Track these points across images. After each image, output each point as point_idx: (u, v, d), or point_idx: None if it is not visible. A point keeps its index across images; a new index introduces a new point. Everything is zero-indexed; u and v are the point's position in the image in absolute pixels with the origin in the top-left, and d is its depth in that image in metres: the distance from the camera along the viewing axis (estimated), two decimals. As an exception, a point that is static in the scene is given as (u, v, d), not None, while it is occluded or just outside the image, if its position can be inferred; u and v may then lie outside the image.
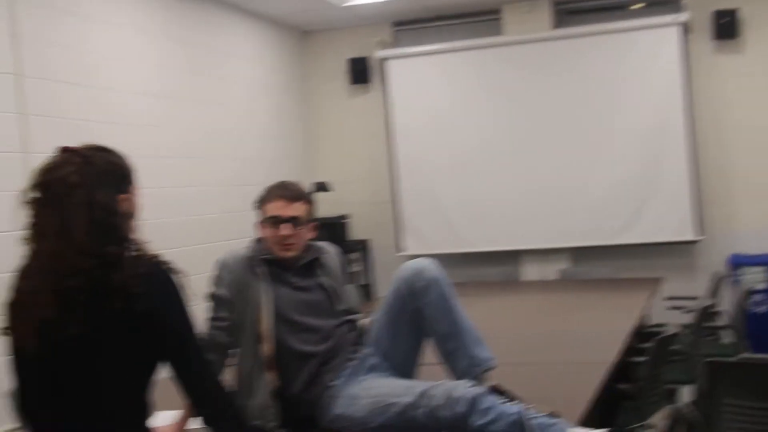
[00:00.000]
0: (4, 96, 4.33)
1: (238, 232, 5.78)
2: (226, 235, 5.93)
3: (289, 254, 2.79)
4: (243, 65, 6.79)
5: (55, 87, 4.67)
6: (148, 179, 5.24)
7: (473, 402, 2.41)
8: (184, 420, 2.65)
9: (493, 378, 2.72)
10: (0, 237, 3.55)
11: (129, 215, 1.96)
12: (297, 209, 2.79)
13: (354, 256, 7.59)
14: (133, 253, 1.90)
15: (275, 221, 2.78)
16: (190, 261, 5.03)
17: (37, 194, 1.88)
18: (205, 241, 5.85)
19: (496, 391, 2.58)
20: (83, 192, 1.85)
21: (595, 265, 6.89)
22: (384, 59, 7.48)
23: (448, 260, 7.22)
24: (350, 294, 2.98)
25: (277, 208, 2.79)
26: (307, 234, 2.85)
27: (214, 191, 6.16)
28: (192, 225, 5.84)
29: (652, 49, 6.76)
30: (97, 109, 4.99)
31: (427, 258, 2.85)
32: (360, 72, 7.69)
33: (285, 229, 2.76)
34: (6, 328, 1.89)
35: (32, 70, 4.50)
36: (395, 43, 7.66)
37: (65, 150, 1.93)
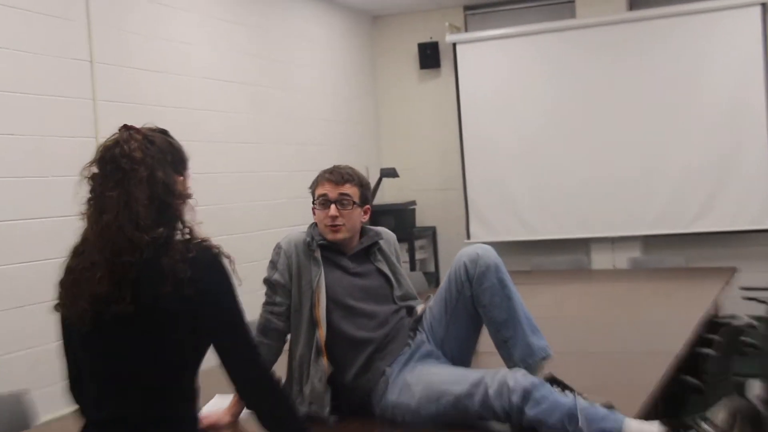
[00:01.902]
0: (80, 82, 4.44)
1: (304, 218, 5.82)
2: (292, 221, 5.98)
3: (338, 236, 2.78)
4: (313, 50, 6.82)
5: (128, 73, 4.77)
6: (216, 163, 5.44)
7: (528, 392, 2.37)
8: (234, 406, 2.69)
9: (551, 368, 2.68)
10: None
11: (185, 197, 1.97)
12: (346, 190, 2.79)
13: (421, 243, 7.59)
14: (185, 236, 1.90)
15: (323, 202, 2.79)
16: (255, 247, 5.20)
17: (99, 169, 1.90)
18: (271, 227, 5.91)
19: (552, 381, 2.55)
20: (145, 168, 1.87)
21: (666, 254, 6.74)
22: (455, 44, 7.42)
23: (517, 248, 7.19)
24: (407, 280, 2.96)
25: (324, 189, 2.79)
26: (357, 217, 2.83)
27: (281, 176, 6.21)
28: (258, 210, 5.90)
29: (731, 30, 6.55)
30: (168, 95, 5.08)
31: (485, 244, 2.81)
32: (430, 56, 7.65)
33: (332, 210, 2.76)
34: (57, 305, 1.91)
35: (105, 56, 4.60)
36: (466, 27, 7.59)
37: (127, 128, 1.95)
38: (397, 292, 2.88)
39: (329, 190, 2.79)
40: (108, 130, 2.00)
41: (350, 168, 2.87)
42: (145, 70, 4.92)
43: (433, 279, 7.38)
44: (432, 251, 7.77)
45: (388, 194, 7.65)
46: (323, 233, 2.80)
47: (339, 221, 2.77)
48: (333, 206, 2.77)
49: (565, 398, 2.37)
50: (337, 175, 2.80)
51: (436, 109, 7.74)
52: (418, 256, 7.44)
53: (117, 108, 4.61)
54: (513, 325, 2.67)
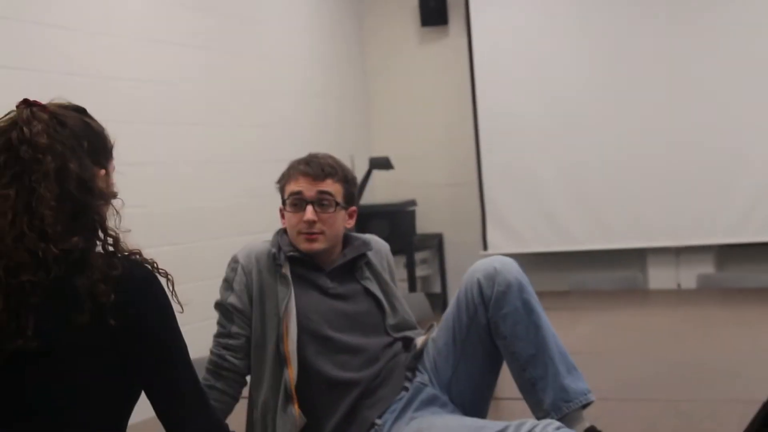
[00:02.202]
0: None
1: (268, 224, 5.83)
2: (253, 228, 5.97)
3: (315, 246, 2.81)
4: (281, 3, 6.84)
5: (28, 29, 4.75)
6: (152, 152, 5.44)
7: (563, 450, 2.39)
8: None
9: (593, 419, 2.70)
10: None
11: (107, 196, 1.98)
12: (326, 187, 2.82)
13: (423, 255, 7.61)
14: (108, 249, 1.91)
15: (296, 202, 2.81)
16: (204, 261, 5.19)
17: None
18: (225, 235, 5.91)
19: (594, 435, 2.58)
20: (53, 157, 1.87)
21: (748, 270, 6.76)
22: (467, -5, 7.47)
23: (549, 262, 7.22)
24: (403, 304, 2.98)
25: (299, 186, 2.81)
26: (341, 222, 2.86)
27: (239, 168, 6.21)
28: (207, 213, 5.90)
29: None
30: (84, 59, 5.07)
31: (504, 257, 2.83)
32: (435, 11, 7.69)
33: (309, 213, 2.78)
34: None
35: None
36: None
37: (28, 104, 1.95)
38: (391, 320, 2.91)
39: (305, 187, 2.81)
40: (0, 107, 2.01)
41: (331, 158, 2.89)
42: (51, 25, 4.91)
43: (439, 302, 7.38)
44: (438, 266, 7.79)
45: (380, 191, 7.66)
46: (295, 242, 2.83)
47: (317, 227, 2.80)
48: (309, 208, 2.79)
49: (612, 458, 2.39)
50: (316, 168, 2.82)
51: (442, 80, 7.77)
52: (420, 272, 7.46)
53: (10, 76, 4.60)
54: (543, 362, 2.69)
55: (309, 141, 6.54)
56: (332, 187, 2.83)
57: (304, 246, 2.81)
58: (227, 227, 6.00)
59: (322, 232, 2.81)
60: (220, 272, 2.89)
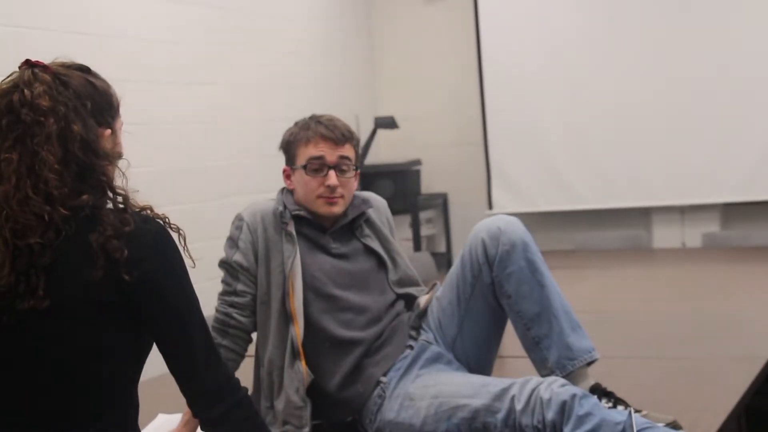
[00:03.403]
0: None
1: (269, 183, 5.83)
2: (252, 187, 5.99)
3: (335, 210, 2.84)
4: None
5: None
6: (158, 110, 5.43)
7: (568, 406, 2.41)
8: (185, 427, 2.72)
9: (598, 376, 2.73)
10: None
11: (113, 156, 1.98)
12: (346, 152, 2.85)
13: (428, 215, 7.62)
14: (118, 206, 1.92)
15: (318, 168, 2.82)
16: (212, 219, 5.20)
17: None
18: (233, 193, 5.92)
19: (599, 392, 2.60)
20: (56, 119, 1.87)
21: (754, 228, 6.75)
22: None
23: (555, 221, 7.23)
24: (405, 260, 3.00)
25: (320, 150, 2.83)
26: (355, 185, 2.90)
27: (237, 128, 6.21)
28: (207, 173, 5.90)
29: None
30: (85, 16, 5.06)
31: (509, 216, 2.84)
32: (439, -31, 7.64)
33: (332, 178, 2.80)
34: None
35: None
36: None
37: (30, 64, 1.94)
38: (393, 276, 2.93)
39: (327, 152, 2.83)
40: (1, 69, 2.00)
41: (340, 120, 2.91)
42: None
43: (444, 262, 7.41)
44: (443, 226, 7.81)
45: (384, 151, 7.66)
46: (312, 206, 2.85)
47: (338, 192, 2.82)
48: (332, 173, 2.82)
49: (618, 415, 2.41)
50: (337, 132, 2.85)
51: (448, 39, 7.73)
52: (425, 231, 7.48)
53: (13, 35, 4.58)
54: (547, 320, 2.71)
55: (313, 100, 6.55)
56: (350, 151, 2.86)
57: (324, 209, 2.84)
58: (231, 187, 6.02)
59: (342, 196, 2.84)
60: (224, 231, 2.90)
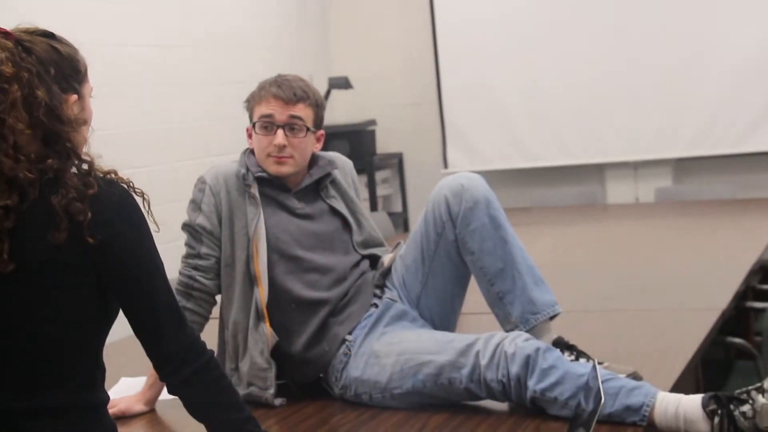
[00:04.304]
0: None
1: (226, 145, 5.81)
2: (210, 149, 5.97)
3: (283, 170, 2.82)
4: None
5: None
6: (117, 73, 5.37)
7: (532, 360, 2.44)
8: (149, 390, 2.73)
9: (560, 330, 2.76)
10: None
11: (79, 122, 1.96)
12: (298, 111, 2.81)
13: (383, 174, 7.62)
14: (82, 170, 1.91)
15: (266, 125, 2.81)
16: (176, 182, 5.16)
17: None
18: (183, 158, 5.89)
19: (562, 346, 2.63)
20: (20, 86, 1.85)
21: (706, 182, 6.84)
22: None
23: (510, 179, 7.26)
24: (370, 221, 3.00)
25: (270, 108, 2.80)
26: (310, 146, 2.87)
27: (193, 91, 6.17)
28: (165, 136, 5.87)
29: None
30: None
31: (472, 173, 2.85)
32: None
33: (279, 137, 2.78)
34: None
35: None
36: None
37: None
38: (357, 237, 2.94)
39: (276, 110, 2.81)
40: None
41: (302, 80, 2.88)
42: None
43: (400, 221, 7.45)
44: (398, 185, 7.81)
45: (339, 112, 7.63)
46: (263, 165, 2.83)
47: (287, 152, 2.80)
48: (280, 132, 2.79)
49: (580, 367, 2.44)
50: (288, 91, 2.82)
51: (401, -3, 7.72)
52: (381, 191, 7.48)
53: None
54: (510, 276, 2.73)
55: (268, 61, 6.52)
56: (303, 111, 2.82)
57: (272, 169, 2.82)
58: (190, 150, 5.98)
59: (291, 156, 2.81)
60: (185, 195, 2.89)
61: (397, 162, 7.78)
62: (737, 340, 3.62)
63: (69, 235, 1.83)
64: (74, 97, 1.97)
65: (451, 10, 7.37)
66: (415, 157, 7.75)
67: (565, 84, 7.08)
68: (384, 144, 7.68)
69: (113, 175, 1.94)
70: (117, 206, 1.90)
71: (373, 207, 7.16)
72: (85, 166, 1.91)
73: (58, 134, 1.89)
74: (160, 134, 5.83)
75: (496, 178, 7.17)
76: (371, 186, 7.24)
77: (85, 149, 1.94)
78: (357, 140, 7.19)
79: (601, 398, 2.02)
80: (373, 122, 7.51)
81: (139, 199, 1.96)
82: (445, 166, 7.43)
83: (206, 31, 6.35)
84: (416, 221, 2.92)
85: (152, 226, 1.97)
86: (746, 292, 4.02)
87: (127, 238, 1.91)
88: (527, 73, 7.17)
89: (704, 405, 2.33)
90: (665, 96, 6.87)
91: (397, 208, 7.77)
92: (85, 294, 1.90)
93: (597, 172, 7.22)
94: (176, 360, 1.96)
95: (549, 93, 7.13)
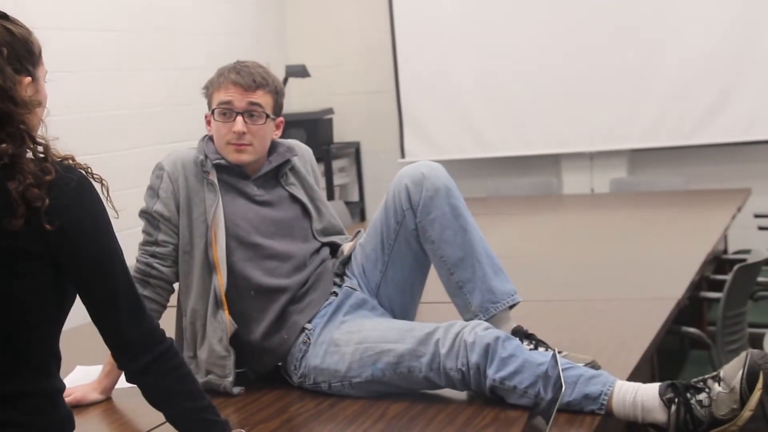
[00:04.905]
0: None
1: (182, 132, 5.77)
2: (167, 136, 5.93)
3: (243, 158, 2.80)
4: None
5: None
6: (64, 62, 5.32)
7: (491, 349, 2.44)
8: (105, 379, 2.71)
9: (519, 320, 2.76)
10: None
11: (33, 104, 1.94)
12: (257, 98, 2.79)
13: (340, 163, 7.61)
14: (38, 155, 1.89)
15: (225, 112, 2.78)
16: (119, 168, 5.13)
17: None
18: (139, 144, 5.85)
19: (521, 335, 2.63)
20: None
21: (659, 173, 6.90)
22: None
23: (467, 168, 7.27)
24: (329, 208, 2.99)
25: (229, 95, 2.78)
26: (269, 133, 2.85)
27: (149, 76, 6.12)
28: (121, 122, 5.82)
29: None
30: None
31: (432, 162, 2.85)
32: None
33: (239, 124, 2.76)
34: None
35: None
36: None
37: None
38: (317, 225, 2.93)
39: (235, 97, 2.78)
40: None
41: (261, 67, 2.86)
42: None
43: (357, 210, 7.43)
44: (355, 174, 7.80)
45: (296, 100, 7.60)
46: (223, 152, 2.81)
47: (246, 139, 2.78)
48: (240, 119, 2.77)
49: (539, 356, 2.45)
50: (247, 77, 2.79)
51: (358, -15, 7.70)
52: (338, 180, 7.47)
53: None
54: (471, 265, 2.73)
55: (224, 48, 6.49)
56: (263, 98, 2.80)
57: (232, 157, 2.80)
58: (147, 136, 5.94)
59: (250, 144, 2.79)
60: (143, 182, 2.86)
61: (354, 151, 7.77)
62: (692, 329, 3.65)
63: (26, 221, 1.82)
64: (28, 79, 1.94)
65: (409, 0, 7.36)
66: (372, 146, 7.74)
67: (522, 74, 7.09)
68: (341, 133, 7.66)
69: (71, 161, 1.93)
70: (75, 192, 1.89)
71: (330, 196, 7.14)
72: (40, 149, 1.89)
73: (11, 116, 1.86)
74: (117, 120, 5.78)
75: (453, 167, 7.05)
76: (328, 175, 7.22)
77: (40, 132, 1.92)
78: (314, 129, 7.15)
79: (561, 386, 2.02)
80: (330, 111, 7.49)
81: (97, 185, 1.95)
82: (403, 155, 7.43)
83: (164, 15, 6.30)
84: (375, 210, 2.91)
85: (111, 212, 1.96)
86: (700, 282, 4.06)
87: (85, 224, 1.90)
88: (485, 62, 7.18)
89: (661, 393, 2.35)
90: (621, 88, 6.90)
91: (354, 197, 7.76)
92: (41, 281, 1.88)
93: (553, 162, 7.25)
94: (135, 348, 1.96)
95: (506, 83, 7.15)
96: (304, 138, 6.69)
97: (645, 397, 2.36)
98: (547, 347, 2.59)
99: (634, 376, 2.57)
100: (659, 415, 2.34)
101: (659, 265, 3.99)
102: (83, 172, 1.92)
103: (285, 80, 6.96)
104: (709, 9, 6.71)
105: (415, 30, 7.35)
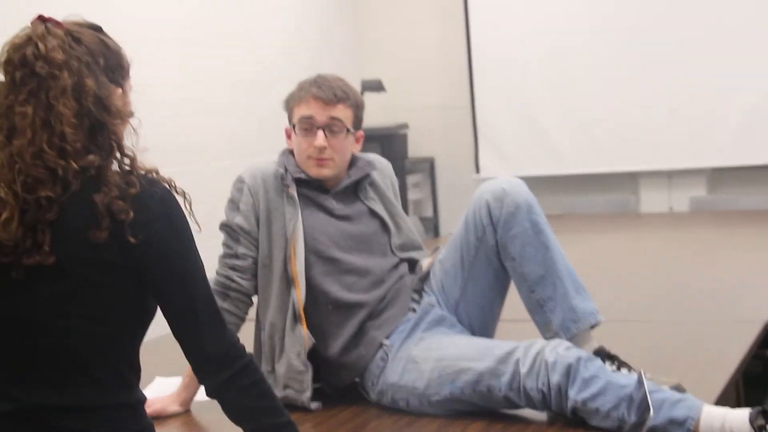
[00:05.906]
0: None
1: (263, 147, 5.79)
2: (246, 151, 5.96)
3: (324, 173, 2.80)
4: None
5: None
6: (161, 72, 5.39)
7: (573, 369, 2.41)
8: (184, 391, 2.72)
9: (601, 339, 2.72)
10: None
11: (125, 115, 1.96)
12: (338, 113, 2.79)
13: (415, 179, 7.60)
14: (124, 167, 1.90)
15: (307, 127, 2.78)
16: (215, 182, 5.18)
17: (5, 75, 1.88)
18: (219, 158, 5.90)
19: (604, 355, 2.59)
20: (70, 73, 1.85)
21: (740, 192, 6.78)
22: None
23: (542, 185, 7.18)
24: (408, 224, 2.98)
25: (310, 109, 2.78)
26: (349, 147, 2.85)
27: (231, 93, 6.19)
28: (202, 138, 5.89)
29: None
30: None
31: (514, 177, 2.83)
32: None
33: (320, 139, 2.76)
34: None
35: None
36: None
37: (43, 20, 1.92)
38: (396, 240, 2.92)
39: (316, 112, 2.78)
40: (13, 25, 1.96)
41: (341, 80, 2.87)
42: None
43: (431, 226, 7.41)
44: (429, 190, 7.79)
45: (371, 115, 7.53)
46: (304, 167, 2.81)
47: (327, 153, 2.78)
48: (320, 133, 2.77)
49: (623, 378, 2.41)
50: (328, 92, 2.80)
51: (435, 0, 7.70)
52: (412, 196, 7.46)
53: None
54: (552, 282, 2.70)
55: (302, 65, 6.50)
56: (343, 112, 2.81)
57: (313, 171, 2.80)
58: (228, 151, 6.03)
59: (331, 158, 2.79)
60: (224, 194, 2.87)
61: (428, 166, 7.76)
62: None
63: (110, 233, 1.83)
64: (119, 90, 1.97)
65: (486, 12, 7.34)
66: (446, 162, 7.72)
67: (598, 90, 7.05)
68: (416, 148, 7.66)
69: (155, 174, 1.94)
70: (159, 206, 1.89)
71: (404, 211, 7.10)
72: (127, 161, 1.90)
73: (105, 124, 1.89)
74: (205, 136, 5.89)
75: (528, 183, 7.06)
76: (403, 190, 7.21)
77: (129, 143, 1.93)
78: (389, 144, 7.16)
79: (649, 409, 1.98)
80: (405, 126, 7.50)
81: (180, 199, 1.95)
82: (477, 170, 7.40)
83: (243, 31, 6.40)
84: (449, 226, 2.89)
85: (193, 227, 1.96)
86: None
87: (168, 238, 1.90)
88: (561, 78, 7.14)
89: (752, 420, 2.28)
90: (701, 104, 6.82)
91: (428, 212, 7.74)
92: (122, 293, 1.89)
93: (630, 180, 7.18)
94: (216, 362, 1.95)
95: (582, 99, 7.10)
96: (379, 153, 6.67)
97: (735, 423, 2.30)
98: (630, 369, 2.54)
99: (720, 401, 2.51)
100: (749, 442, 2.28)
101: (743, 287, 3.92)
102: (167, 186, 1.93)
103: (360, 95, 6.97)
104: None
105: (491, 45, 7.33)
